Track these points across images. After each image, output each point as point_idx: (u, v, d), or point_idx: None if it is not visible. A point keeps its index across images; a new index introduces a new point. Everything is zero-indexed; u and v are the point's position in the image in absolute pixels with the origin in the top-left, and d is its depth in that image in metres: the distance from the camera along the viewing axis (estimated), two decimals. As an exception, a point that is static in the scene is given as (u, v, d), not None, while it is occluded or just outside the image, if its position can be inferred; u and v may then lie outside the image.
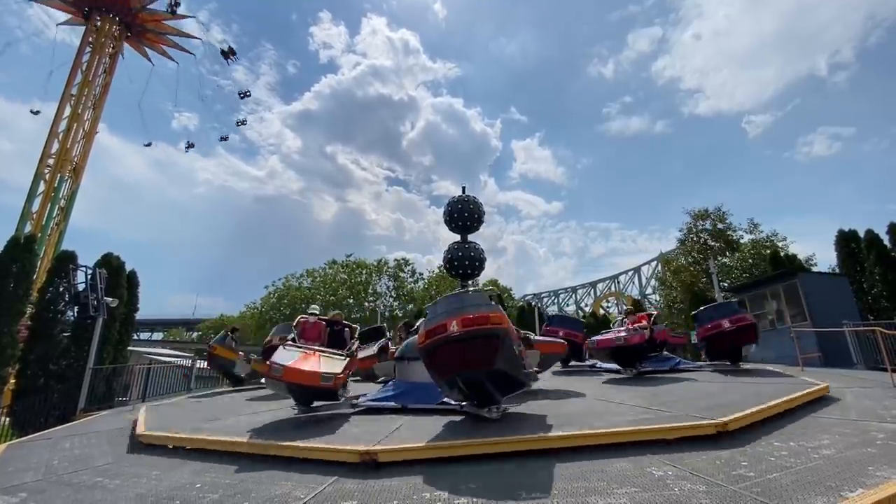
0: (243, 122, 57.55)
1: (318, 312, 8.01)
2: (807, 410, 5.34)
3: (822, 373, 8.92)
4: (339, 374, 6.12)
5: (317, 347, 6.86)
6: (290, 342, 6.82)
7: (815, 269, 22.89)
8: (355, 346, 7.48)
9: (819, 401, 5.75)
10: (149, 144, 52.13)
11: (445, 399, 5.86)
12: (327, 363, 6.22)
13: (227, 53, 45.82)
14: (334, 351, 6.90)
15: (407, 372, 7.09)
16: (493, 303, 4.90)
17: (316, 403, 6.51)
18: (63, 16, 40.22)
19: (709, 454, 3.83)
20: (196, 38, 46.06)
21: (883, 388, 6.83)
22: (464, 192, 13.11)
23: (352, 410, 6.55)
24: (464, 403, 5.43)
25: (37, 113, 40.50)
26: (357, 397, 7.18)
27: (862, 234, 17.50)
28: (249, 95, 52.91)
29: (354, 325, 8.10)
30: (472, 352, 4.60)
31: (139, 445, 5.64)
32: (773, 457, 3.69)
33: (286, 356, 6.05)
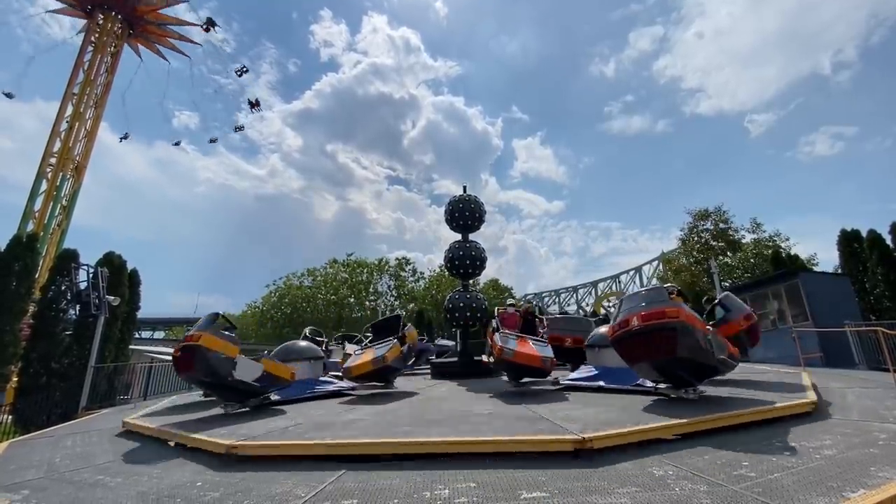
0: (241, 129, 57.13)
1: (514, 303, 9.48)
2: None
3: (823, 373, 8.90)
4: (553, 357, 7.31)
5: (526, 336, 7.97)
6: (503, 330, 7.98)
7: (816, 269, 22.83)
8: (544, 333, 8.83)
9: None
10: (125, 137, 48.09)
11: (640, 381, 6.66)
12: (540, 348, 7.41)
13: (254, 104, 46.66)
14: (535, 337, 8.04)
15: (598, 358, 8.11)
16: (672, 298, 5.52)
17: (525, 380, 7.82)
18: (61, 13, 40.11)
19: (711, 454, 3.83)
20: (197, 43, 46.17)
21: (885, 388, 6.81)
22: (465, 191, 13.12)
23: (553, 388, 7.66)
24: (660, 385, 6.06)
25: (10, 96, 39.34)
26: (556, 377, 8.09)
27: (864, 234, 17.46)
28: (259, 105, 52.67)
29: (541, 316, 9.51)
30: (653, 342, 5.30)
31: (140, 443, 5.66)
32: (775, 457, 3.69)
33: (511, 342, 7.39)
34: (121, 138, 47.19)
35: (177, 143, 52.58)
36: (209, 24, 43.76)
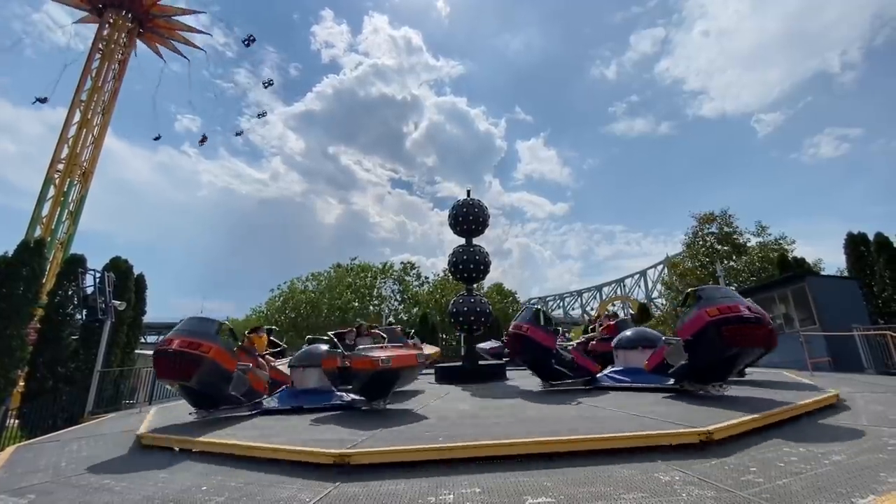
0: (240, 134, 58.24)
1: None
2: (816, 416, 5.29)
3: (832, 377, 8.82)
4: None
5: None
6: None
7: (823, 272, 22.65)
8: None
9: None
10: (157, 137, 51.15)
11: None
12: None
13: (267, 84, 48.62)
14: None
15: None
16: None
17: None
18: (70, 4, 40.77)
19: (718, 459, 3.79)
20: (201, 48, 46.97)
21: (895, 392, 6.74)
22: (469, 195, 13.13)
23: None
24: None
25: (44, 101, 40.25)
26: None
27: (871, 237, 17.31)
28: (266, 115, 54.29)
29: None
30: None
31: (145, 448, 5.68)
32: (783, 462, 3.65)
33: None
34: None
35: (157, 138, 50.32)
36: (249, 40, 47.55)
